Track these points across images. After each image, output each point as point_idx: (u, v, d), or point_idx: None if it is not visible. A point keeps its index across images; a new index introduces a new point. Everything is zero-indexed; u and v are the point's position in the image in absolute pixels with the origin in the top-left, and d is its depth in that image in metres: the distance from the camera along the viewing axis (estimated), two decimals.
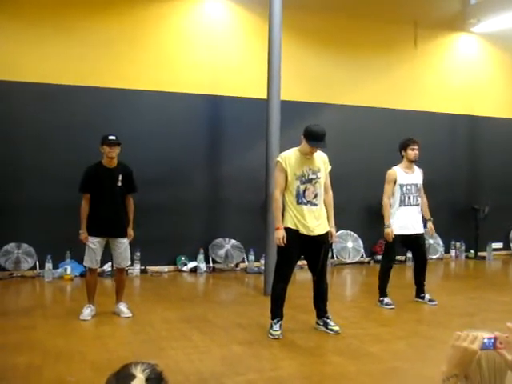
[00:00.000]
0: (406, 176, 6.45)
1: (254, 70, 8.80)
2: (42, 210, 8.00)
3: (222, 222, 9.16)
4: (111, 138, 5.69)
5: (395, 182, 6.43)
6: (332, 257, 9.56)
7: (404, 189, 6.42)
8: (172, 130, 8.82)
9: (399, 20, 10.10)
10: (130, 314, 5.75)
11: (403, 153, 6.50)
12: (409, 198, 6.43)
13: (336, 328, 5.21)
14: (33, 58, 8.06)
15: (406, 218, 6.40)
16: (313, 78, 9.62)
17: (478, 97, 11.03)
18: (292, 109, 8.56)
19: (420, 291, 6.64)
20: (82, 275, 7.90)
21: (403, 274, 8.56)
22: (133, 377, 1.46)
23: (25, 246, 8.01)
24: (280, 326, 5.12)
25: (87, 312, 5.63)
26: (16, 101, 8.05)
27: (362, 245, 9.93)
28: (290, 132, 8.57)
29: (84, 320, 5.53)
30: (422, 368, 4.14)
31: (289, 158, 5.14)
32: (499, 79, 11.31)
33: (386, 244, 6.58)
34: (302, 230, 5.06)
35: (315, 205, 5.13)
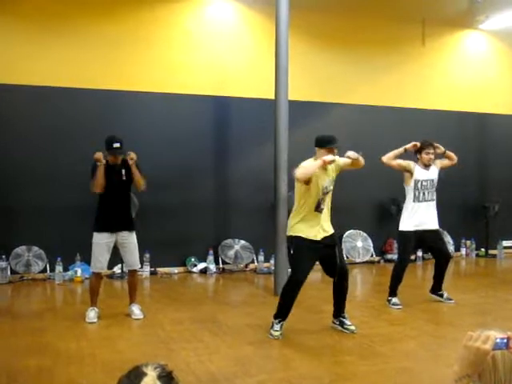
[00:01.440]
0: (423, 172, 6.39)
1: (261, 70, 8.79)
2: (52, 213, 8.03)
3: (231, 223, 9.16)
4: (116, 145, 5.61)
5: (411, 175, 6.37)
6: None
7: (419, 184, 6.35)
8: (179, 131, 8.83)
9: (407, 18, 10.07)
10: (141, 316, 5.76)
11: (418, 156, 6.43)
12: (423, 193, 6.37)
13: (352, 328, 5.20)
14: (35, 60, 8.05)
15: (420, 215, 6.32)
16: (320, 78, 9.60)
17: (487, 94, 10.98)
18: (300, 109, 8.56)
19: (438, 288, 6.57)
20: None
21: (414, 273, 8.52)
22: (144, 374, 1.48)
23: (35, 248, 8.05)
24: (281, 326, 5.12)
25: (92, 314, 5.63)
26: (17, 104, 8.08)
27: (371, 244, 9.90)
28: (299, 132, 8.60)
29: (91, 323, 5.54)
30: (433, 368, 4.12)
31: None
32: (508, 76, 11.24)
33: (400, 243, 6.54)
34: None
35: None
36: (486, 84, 10.99)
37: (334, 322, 5.36)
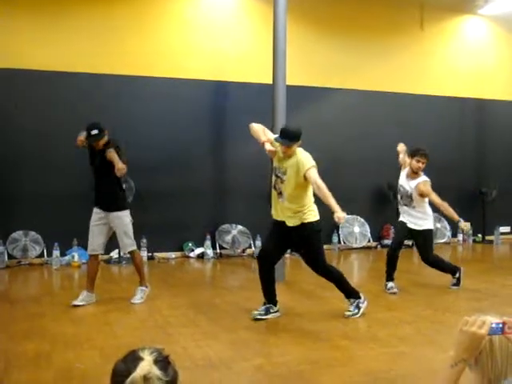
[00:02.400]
0: (404, 179, 6.40)
1: (259, 55, 8.74)
2: (49, 198, 8.01)
3: (229, 208, 9.17)
4: (93, 132, 5.57)
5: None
6: (339, 242, 9.57)
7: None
8: (177, 116, 8.80)
9: (405, 3, 10.01)
10: (138, 301, 5.76)
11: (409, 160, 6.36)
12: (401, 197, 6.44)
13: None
14: (35, 45, 8.01)
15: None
16: (319, 63, 9.55)
17: (486, 80, 10.94)
18: (298, 94, 8.53)
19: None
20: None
21: (411, 259, 8.54)
22: (141, 359, 1.47)
23: (32, 233, 8.04)
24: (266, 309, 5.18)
25: (80, 297, 5.61)
26: (19, 88, 8.04)
27: (368, 229, 9.92)
28: (297, 117, 8.56)
29: (76, 305, 5.50)
30: (430, 353, 4.14)
31: None
32: (507, 61, 11.20)
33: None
34: None
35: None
36: (485, 70, 10.96)
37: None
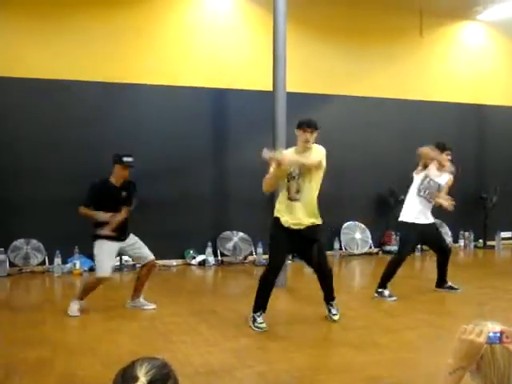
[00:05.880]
0: (436, 172, 6.41)
1: (259, 62, 8.76)
2: (51, 206, 8.01)
3: (230, 215, 9.16)
4: (127, 160, 5.58)
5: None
6: (340, 248, 9.56)
7: (426, 181, 6.38)
8: (178, 123, 8.81)
9: (404, 9, 10.03)
10: (154, 305, 5.83)
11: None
12: (425, 192, 6.38)
13: (335, 318, 5.29)
14: (33, 53, 8.01)
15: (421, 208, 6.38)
16: (319, 69, 9.57)
17: (485, 85, 10.95)
18: (298, 100, 8.53)
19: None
20: (91, 270, 7.93)
21: (412, 265, 8.54)
22: (135, 379, 1.44)
23: (34, 241, 8.04)
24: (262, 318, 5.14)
25: (75, 308, 5.56)
26: (17, 97, 8.05)
27: (370, 236, 9.91)
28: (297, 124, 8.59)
29: (74, 316, 5.47)
30: (432, 358, 4.13)
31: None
32: (506, 67, 11.22)
33: (402, 233, 6.59)
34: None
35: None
36: (484, 75, 10.97)
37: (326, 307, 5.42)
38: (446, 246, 6.72)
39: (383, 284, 6.32)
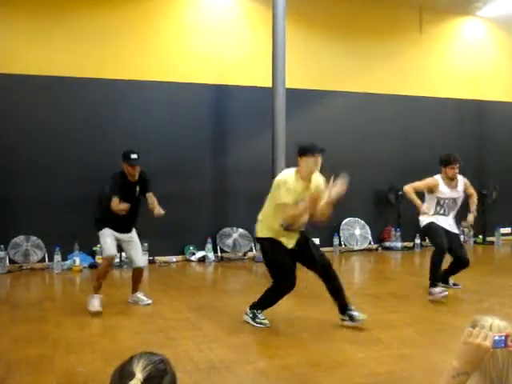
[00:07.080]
0: (447, 190, 6.29)
1: (259, 58, 8.76)
2: (50, 203, 8.02)
3: (230, 212, 9.17)
4: (133, 156, 5.61)
5: (432, 191, 6.26)
6: (340, 244, 9.57)
7: (442, 202, 6.28)
8: (178, 120, 8.81)
9: (404, 5, 10.03)
10: (150, 301, 5.85)
11: (442, 168, 6.32)
12: (443, 209, 6.29)
13: (362, 316, 4.92)
14: (33, 50, 8.04)
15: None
16: (318, 66, 9.57)
17: (485, 81, 10.95)
18: (298, 97, 8.54)
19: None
20: (90, 266, 7.95)
21: (411, 261, 8.54)
22: (132, 376, 1.44)
23: (33, 238, 8.05)
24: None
25: (96, 302, 5.59)
26: (17, 94, 8.05)
27: (369, 232, 9.92)
28: (297, 120, 8.59)
29: (96, 311, 5.47)
30: (432, 354, 4.13)
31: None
32: (506, 63, 11.22)
33: (427, 231, 6.43)
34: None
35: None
36: (484, 71, 10.97)
37: (343, 320, 4.97)
38: (463, 256, 6.38)
39: (433, 282, 6.08)
